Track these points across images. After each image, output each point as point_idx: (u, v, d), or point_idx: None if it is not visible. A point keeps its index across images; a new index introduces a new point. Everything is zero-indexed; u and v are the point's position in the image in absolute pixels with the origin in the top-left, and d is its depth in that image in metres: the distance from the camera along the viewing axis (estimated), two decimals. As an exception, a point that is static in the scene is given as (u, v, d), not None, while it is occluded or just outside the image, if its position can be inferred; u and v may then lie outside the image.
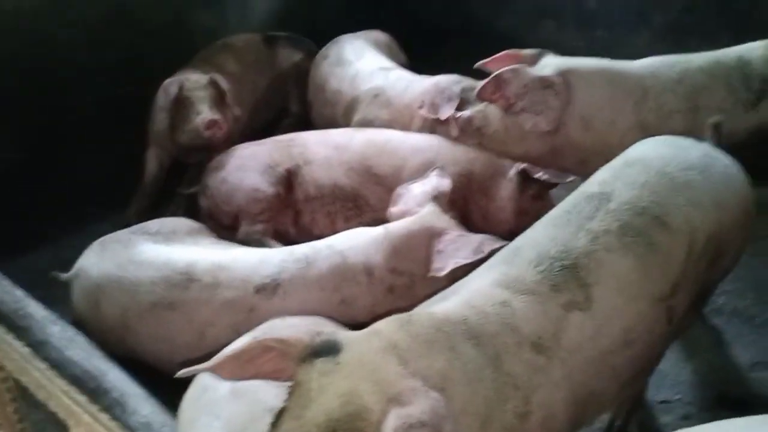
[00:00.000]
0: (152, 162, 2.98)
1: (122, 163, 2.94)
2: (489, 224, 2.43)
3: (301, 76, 3.39)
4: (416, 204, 2.04)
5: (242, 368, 1.22)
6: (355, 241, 2.02)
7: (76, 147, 2.91)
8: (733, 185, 1.66)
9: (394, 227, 1.99)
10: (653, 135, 1.81)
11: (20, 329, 1.39)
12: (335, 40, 3.36)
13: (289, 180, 2.61)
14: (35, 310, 1.69)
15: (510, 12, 4.01)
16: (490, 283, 1.38)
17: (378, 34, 3.44)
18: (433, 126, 2.70)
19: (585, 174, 1.70)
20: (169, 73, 2.97)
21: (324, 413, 1.08)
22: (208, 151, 2.76)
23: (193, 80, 2.81)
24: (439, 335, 1.22)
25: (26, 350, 1.37)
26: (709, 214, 1.55)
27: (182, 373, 1.25)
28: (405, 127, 2.78)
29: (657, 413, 2.10)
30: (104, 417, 1.20)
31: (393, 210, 2.10)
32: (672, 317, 1.49)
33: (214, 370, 1.23)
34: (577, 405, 1.35)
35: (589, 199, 1.53)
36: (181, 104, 2.76)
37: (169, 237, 2.18)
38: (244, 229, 2.55)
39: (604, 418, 1.97)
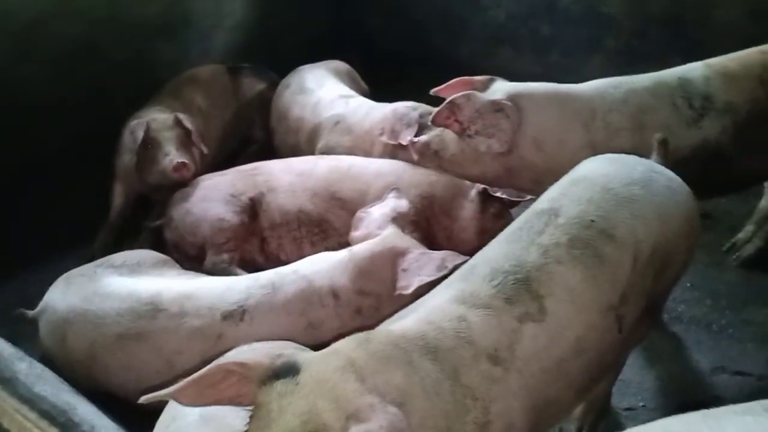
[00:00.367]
0: (118, 197, 2.99)
1: (87, 199, 2.95)
2: (453, 244, 2.48)
3: (265, 105, 3.44)
4: (377, 227, 2.08)
5: (203, 394, 1.22)
6: (320, 265, 2.05)
7: (40, 183, 2.90)
8: (675, 198, 1.71)
9: (358, 250, 2.02)
10: (602, 153, 1.88)
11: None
12: (296, 69, 3.43)
13: (253, 208, 2.64)
14: (2, 348, 1.69)
15: (468, 40, 4.13)
16: (448, 299, 1.42)
17: (338, 64, 3.52)
18: (394, 151, 2.78)
19: (540, 192, 1.75)
20: (133, 107, 3.00)
21: None
22: (174, 189, 2.75)
23: (159, 121, 2.82)
24: (396, 351, 1.25)
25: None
26: (652, 226, 1.61)
27: (144, 399, 1.25)
28: (366, 152, 2.85)
29: (622, 420, 2.15)
30: (75, 450, 1.20)
31: (355, 234, 2.13)
32: (622, 325, 1.55)
33: (175, 396, 1.22)
34: (535, 412, 1.39)
35: (539, 215, 1.59)
36: (148, 144, 2.76)
37: (134, 269, 2.18)
38: (210, 258, 2.57)
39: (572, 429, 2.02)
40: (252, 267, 2.55)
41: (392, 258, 1.96)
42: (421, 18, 4.27)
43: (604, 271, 1.51)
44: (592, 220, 1.55)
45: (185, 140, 2.83)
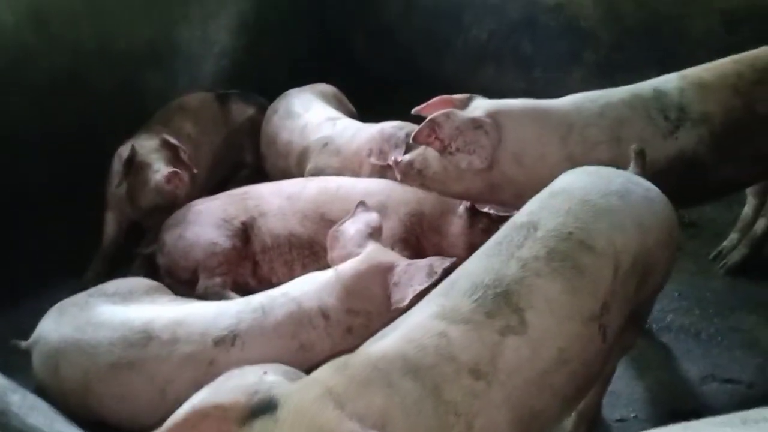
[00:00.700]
0: (111, 225, 3.01)
1: (78, 228, 2.95)
2: (443, 260, 2.51)
3: (255, 129, 3.48)
4: (355, 245, 2.06)
5: None
6: (308, 287, 2.05)
7: (30, 214, 2.91)
8: (653, 208, 1.74)
9: (343, 269, 2.01)
10: (581, 166, 1.90)
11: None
12: (284, 94, 3.48)
13: (245, 232, 2.66)
14: (-5, 380, 1.70)
15: (452, 59, 4.19)
16: (428, 316, 1.43)
17: (324, 86, 3.57)
18: (383, 171, 2.81)
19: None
20: (122, 136, 3.02)
21: None
22: (169, 211, 2.77)
23: (146, 146, 2.85)
24: (375, 374, 1.25)
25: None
26: (631, 235, 1.63)
27: None
28: (355, 173, 2.89)
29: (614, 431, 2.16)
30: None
31: (333, 255, 2.10)
32: (606, 335, 1.56)
33: None
34: (521, 425, 1.40)
35: (518, 228, 1.61)
36: (138, 169, 2.78)
37: (126, 297, 2.19)
38: (203, 283, 2.58)
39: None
40: (245, 290, 2.56)
41: (379, 274, 1.95)
42: (406, 39, 4.34)
43: (584, 282, 1.52)
44: (570, 232, 1.57)
45: (174, 159, 2.86)
